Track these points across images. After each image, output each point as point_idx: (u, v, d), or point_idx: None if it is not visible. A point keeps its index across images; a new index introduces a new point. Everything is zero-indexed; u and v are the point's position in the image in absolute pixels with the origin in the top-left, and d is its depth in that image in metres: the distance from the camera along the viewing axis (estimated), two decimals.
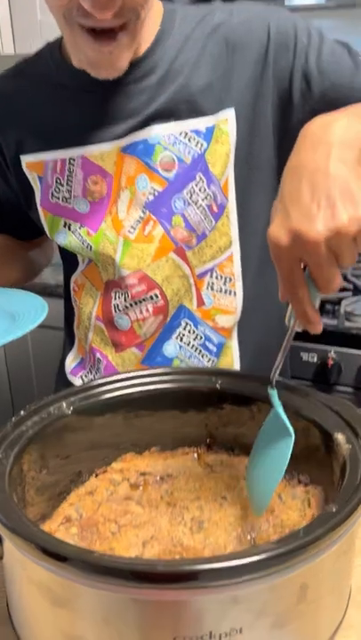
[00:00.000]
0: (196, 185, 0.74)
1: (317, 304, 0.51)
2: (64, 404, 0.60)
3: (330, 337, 1.23)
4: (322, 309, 1.30)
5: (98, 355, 0.83)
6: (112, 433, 0.63)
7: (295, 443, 0.59)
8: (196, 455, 0.65)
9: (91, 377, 0.86)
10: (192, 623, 0.41)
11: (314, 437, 0.57)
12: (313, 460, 0.57)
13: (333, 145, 0.48)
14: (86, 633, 0.43)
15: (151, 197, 0.74)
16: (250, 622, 0.42)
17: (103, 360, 0.82)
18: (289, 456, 0.52)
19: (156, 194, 0.74)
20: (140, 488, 0.61)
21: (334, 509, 0.45)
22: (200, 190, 0.74)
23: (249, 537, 0.55)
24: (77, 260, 0.83)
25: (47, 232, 0.81)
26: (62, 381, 0.89)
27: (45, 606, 0.44)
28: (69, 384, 0.87)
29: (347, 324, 1.27)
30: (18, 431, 0.55)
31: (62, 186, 0.77)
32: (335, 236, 0.44)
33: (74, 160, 0.75)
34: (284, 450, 0.53)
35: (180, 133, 0.73)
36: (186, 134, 0.73)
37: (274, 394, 0.56)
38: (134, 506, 0.58)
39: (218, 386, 0.64)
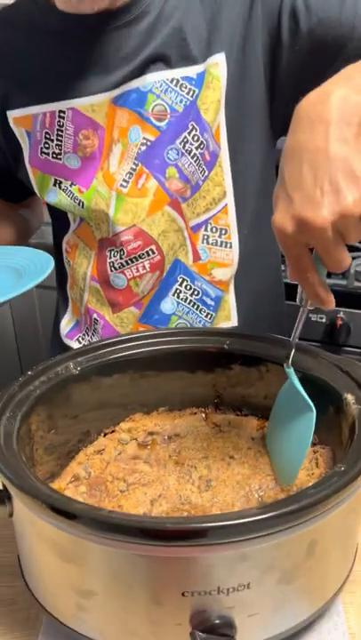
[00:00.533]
0: (189, 134, 0.72)
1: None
2: (71, 365, 0.59)
3: (339, 297, 1.20)
4: None
5: (95, 315, 0.82)
6: (120, 393, 0.63)
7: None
8: (203, 415, 0.65)
9: (88, 339, 0.85)
10: (200, 579, 0.42)
11: (323, 398, 0.57)
12: (322, 420, 0.57)
13: (331, 123, 0.45)
14: (95, 587, 0.44)
15: (143, 148, 0.72)
16: (258, 578, 0.43)
17: (100, 320, 0.81)
18: (313, 430, 0.52)
19: (148, 144, 0.72)
20: (148, 447, 0.61)
21: (343, 468, 0.45)
22: (193, 139, 0.72)
23: (257, 495, 0.55)
24: (68, 220, 0.81)
25: (37, 191, 0.79)
26: (58, 346, 0.88)
27: (55, 561, 0.45)
28: (66, 348, 0.86)
29: (356, 284, 1.25)
30: (25, 391, 0.55)
31: (52, 141, 0.75)
32: (341, 219, 0.43)
33: (64, 113, 0.73)
34: (308, 424, 0.53)
35: (172, 81, 0.71)
36: (177, 82, 0.71)
37: (291, 372, 0.55)
38: (142, 465, 0.58)
39: (226, 346, 0.63)
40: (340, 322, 1.21)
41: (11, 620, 0.52)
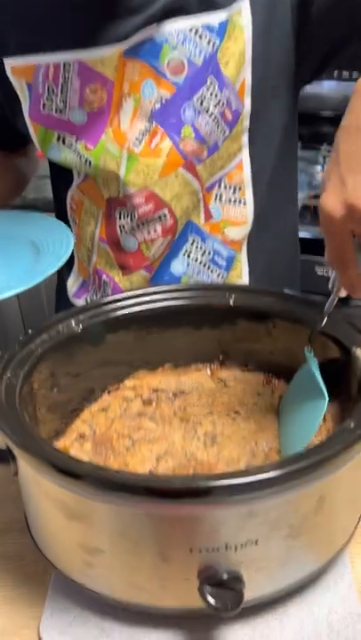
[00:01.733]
0: (208, 89, 0.67)
1: None
2: (73, 322, 0.58)
3: None
4: None
5: (104, 277, 0.79)
6: (123, 350, 0.62)
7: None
8: (209, 371, 0.64)
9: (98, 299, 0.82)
10: (208, 535, 0.41)
11: (332, 352, 0.56)
12: (330, 375, 0.56)
13: None
14: (102, 545, 0.44)
15: (158, 106, 0.68)
16: (266, 534, 0.43)
17: (110, 282, 0.79)
18: (321, 419, 0.51)
19: (164, 101, 0.67)
20: (153, 404, 0.61)
21: (352, 425, 0.44)
22: (211, 95, 0.68)
23: (263, 451, 0.55)
24: (71, 174, 0.77)
25: (38, 146, 0.75)
26: (65, 306, 0.86)
27: (61, 519, 0.45)
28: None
29: None
30: (26, 350, 0.54)
31: (56, 95, 0.69)
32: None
33: (69, 66, 0.67)
34: (318, 410, 0.51)
35: (191, 30, 0.66)
36: (197, 31, 0.66)
37: (311, 356, 0.54)
38: (147, 422, 0.58)
39: (231, 302, 0.62)
40: None
41: (20, 575, 0.52)
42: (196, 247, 0.76)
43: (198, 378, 0.63)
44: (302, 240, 0.89)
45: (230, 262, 0.78)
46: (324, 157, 1.52)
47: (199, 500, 0.39)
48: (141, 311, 0.62)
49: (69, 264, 0.86)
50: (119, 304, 0.61)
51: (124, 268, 0.77)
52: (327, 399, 0.50)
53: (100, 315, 0.60)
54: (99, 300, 0.62)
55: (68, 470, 0.40)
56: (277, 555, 0.45)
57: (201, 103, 0.68)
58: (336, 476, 0.43)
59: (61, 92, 0.69)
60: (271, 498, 0.40)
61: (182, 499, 0.39)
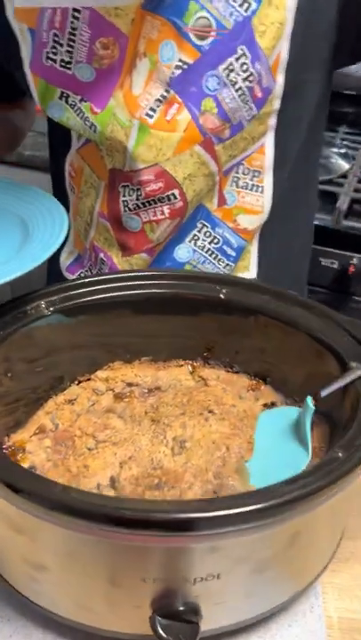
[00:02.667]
0: (237, 60, 0.59)
1: None
2: (43, 304, 0.52)
3: (355, 242, 1.12)
4: (350, 210, 1.18)
5: (102, 255, 0.72)
6: (97, 338, 0.56)
7: (306, 363, 0.52)
8: (190, 368, 0.59)
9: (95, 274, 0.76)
10: (162, 568, 0.37)
11: (327, 364, 0.50)
12: (323, 387, 0.51)
13: None
14: (47, 563, 0.39)
15: (178, 72, 0.59)
16: (229, 568, 0.38)
17: (108, 261, 0.72)
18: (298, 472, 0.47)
19: (185, 67, 0.59)
20: (124, 400, 0.55)
21: (340, 454, 0.39)
22: (241, 68, 0.59)
23: (235, 458, 0.50)
24: (70, 136, 0.69)
25: (37, 102, 0.67)
26: (56, 279, 0.80)
27: (5, 529, 0.40)
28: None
29: None
30: None
31: (61, 46, 0.61)
32: None
33: (79, 13, 0.59)
34: (297, 462, 0.48)
35: None
36: None
37: (310, 406, 0.49)
38: (116, 420, 0.52)
39: (222, 295, 0.56)
40: (352, 268, 1.12)
41: None
42: (205, 234, 0.69)
43: (178, 374, 0.58)
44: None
45: (240, 253, 0.71)
46: (342, 140, 1.43)
47: (152, 533, 0.34)
48: (121, 296, 0.56)
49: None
50: (99, 287, 0.55)
51: (125, 249, 0.70)
52: (309, 457, 0.47)
53: (74, 297, 0.54)
54: (76, 279, 0.56)
55: (7, 482, 0.35)
56: (241, 588, 0.40)
57: (228, 75, 0.60)
58: (316, 512, 0.38)
59: (68, 43, 0.60)
60: (236, 535, 0.35)
61: (134, 529, 0.34)
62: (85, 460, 0.48)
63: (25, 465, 0.47)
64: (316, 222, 1.03)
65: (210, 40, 0.58)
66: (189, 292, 0.57)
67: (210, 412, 0.53)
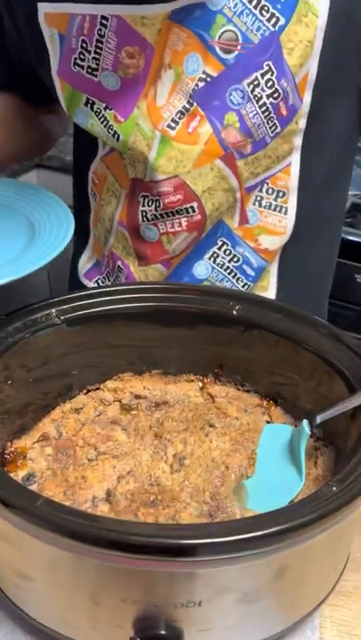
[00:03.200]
0: (263, 76, 0.58)
1: None
2: (54, 312, 0.53)
3: None
4: None
5: (119, 263, 0.72)
6: (108, 348, 0.56)
7: (316, 385, 0.51)
8: (200, 384, 0.58)
9: (109, 284, 0.76)
10: (141, 590, 0.36)
11: (336, 387, 0.48)
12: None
13: None
14: (31, 574, 0.39)
15: (201, 84, 0.59)
16: (210, 597, 0.37)
17: (125, 270, 0.72)
18: (291, 498, 0.47)
19: (209, 80, 0.59)
20: (130, 413, 0.55)
21: (334, 488, 0.37)
22: (266, 84, 0.58)
23: (234, 476, 0.48)
24: (97, 143, 0.70)
25: (64, 107, 0.68)
26: (75, 286, 0.80)
27: None
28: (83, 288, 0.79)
29: None
30: None
31: (89, 53, 0.61)
32: None
33: (107, 21, 0.59)
34: (291, 487, 0.47)
35: (252, 0, 0.56)
36: (259, 2, 0.56)
37: (305, 434, 0.48)
38: (119, 432, 0.52)
39: (235, 311, 0.55)
40: None
41: None
42: (225, 252, 0.68)
43: (187, 390, 0.57)
44: (347, 243, 0.80)
45: (259, 273, 0.70)
46: None
47: (128, 555, 0.33)
48: (133, 307, 0.56)
49: (84, 239, 0.80)
50: (112, 297, 0.55)
51: (141, 259, 0.70)
52: (303, 482, 0.46)
53: (86, 307, 0.54)
54: (90, 289, 0.56)
55: None
56: (226, 618, 0.39)
57: (252, 90, 0.59)
58: (305, 547, 0.36)
59: (95, 50, 0.61)
60: (218, 564, 0.34)
61: (110, 550, 0.33)
62: (84, 470, 0.48)
63: (24, 472, 0.48)
64: (351, 238, 1.00)
65: (235, 54, 0.58)
66: (202, 307, 0.56)
67: (211, 425, 0.52)
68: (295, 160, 0.64)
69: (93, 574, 0.36)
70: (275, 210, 0.66)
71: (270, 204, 0.66)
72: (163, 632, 0.38)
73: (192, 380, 0.58)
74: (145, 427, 0.53)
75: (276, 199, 0.66)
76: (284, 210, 0.66)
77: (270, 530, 0.34)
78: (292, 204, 0.66)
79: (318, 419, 0.46)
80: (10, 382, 0.50)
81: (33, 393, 0.53)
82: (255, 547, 0.34)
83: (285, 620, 0.43)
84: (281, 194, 0.65)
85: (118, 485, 0.47)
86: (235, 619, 0.39)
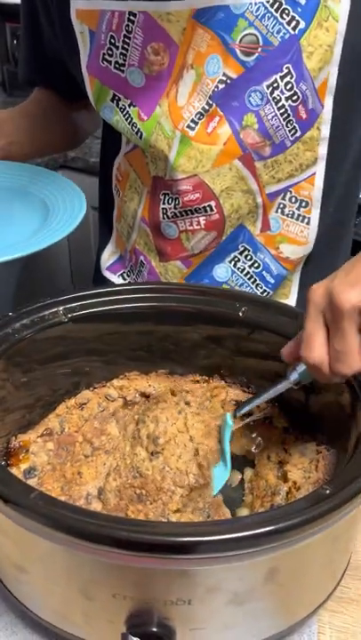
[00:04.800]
0: (282, 79, 0.59)
1: None
2: (61, 310, 0.53)
3: None
4: None
5: (142, 258, 0.74)
6: (116, 346, 0.57)
7: (320, 393, 0.50)
8: (205, 384, 0.58)
9: (133, 277, 0.78)
10: (132, 586, 0.36)
11: (341, 395, 0.48)
12: (334, 418, 0.48)
13: None
14: (27, 567, 0.40)
15: (221, 87, 0.60)
16: (201, 596, 0.37)
17: (147, 264, 0.73)
18: (219, 487, 0.48)
19: (228, 82, 0.60)
20: (128, 407, 0.55)
21: (328, 491, 0.37)
22: (286, 87, 0.59)
23: (205, 463, 0.48)
24: (121, 139, 0.71)
25: (93, 102, 0.69)
26: (98, 281, 0.82)
27: None
28: (106, 283, 0.80)
29: None
30: (1, 334, 0.50)
31: (117, 48, 0.63)
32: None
33: (134, 17, 0.60)
34: (220, 475, 0.48)
35: (273, 4, 0.57)
36: (280, 5, 0.56)
37: (228, 426, 0.49)
38: (113, 426, 0.52)
39: (241, 313, 0.55)
40: None
41: None
42: (246, 257, 0.69)
43: (191, 387, 0.57)
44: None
45: (279, 281, 0.70)
46: None
47: (116, 551, 0.34)
48: (142, 307, 0.56)
49: (107, 234, 0.81)
50: (117, 297, 0.56)
51: (162, 255, 0.71)
52: (228, 473, 0.47)
53: (93, 306, 0.55)
54: (98, 288, 0.57)
55: None
56: (218, 618, 0.39)
57: (271, 92, 0.59)
58: (297, 549, 0.36)
59: (123, 46, 0.62)
60: (207, 562, 0.34)
61: (98, 544, 0.34)
62: (80, 466, 0.49)
63: (25, 465, 0.48)
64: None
65: (255, 56, 0.58)
66: (209, 309, 0.56)
67: (186, 403, 0.52)
68: (320, 170, 0.64)
69: (85, 569, 0.37)
70: (297, 219, 0.66)
71: (293, 212, 0.66)
72: (154, 629, 0.38)
73: (198, 381, 0.59)
74: (131, 418, 0.53)
75: (298, 208, 0.66)
76: (306, 220, 0.66)
77: (262, 530, 0.34)
78: (314, 215, 0.66)
79: (238, 412, 0.48)
80: (16, 379, 0.51)
81: (40, 390, 0.54)
82: (245, 546, 0.34)
83: (279, 623, 0.43)
84: (304, 203, 0.65)
85: (106, 483, 0.47)
86: (226, 619, 0.39)
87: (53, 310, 0.53)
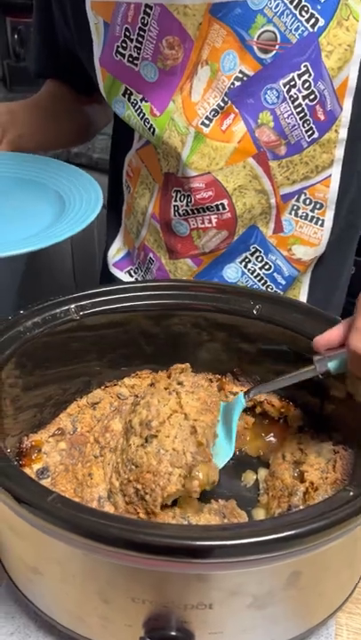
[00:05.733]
0: (300, 77, 0.57)
1: None
2: (73, 308, 0.52)
3: None
4: None
5: (151, 255, 0.73)
6: (127, 344, 0.56)
7: (333, 391, 0.50)
8: (216, 384, 0.57)
9: (141, 274, 0.77)
10: (151, 590, 0.36)
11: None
12: (351, 417, 0.48)
13: None
14: (42, 569, 0.39)
15: (237, 83, 0.59)
16: (221, 600, 0.36)
17: (156, 262, 0.73)
18: (222, 465, 0.47)
19: (245, 79, 0.58)
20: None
21: (351, 493, 0.36)
22: (303, 85, 0.58)
23: (203, 441, 0.45)
24: (132, 135, 0.70)
25: (104, 96, 0.68)
26: (105, 277, 0.81)
27: (6, 529, 0.40)
28: (113, 279, 0.79)
29: None
30: (13, 332, 0.49)
31: (131, 41, 0.61)
32: None
33: (150, 9, 0.59)
34: (224, 452, 0.48)
35: (293, 0, 0.55)
36: (299, 2, 0.55)
37: (241, 404, 0.49)
38: (117, 422, 0.51)
39: (255, 311, 0.54)
40: None
41: None
42: (257, 258, 0.68)
43: (203, 384, 0.56)
44: None
45: (290, 282, 0.69)
46: None
47: (137, 554, 0.33)
48: (154, 305, 0.55)
49: (115, 230, 0.80)
50: (129, 294, 0.55)
51: (172, 252, 0.70)
52: (231, 453, 0.46)
53: (105, 304, 0.54)
54: (109, 285, 0.56)
55: (6, 487, 0.35)
56: (238, 622, 0.38)
57: (288, 90, 0.58)
58: (318, 554, 0.36)
59: (137, 39, 0.61)
60: (224, 567, 0.33)
61: (123, 549, 0.33)
62: (91, 467, 0.48)
63: (38, 465, 0.48)
64: None
65: (273, 53, 0.57)
66: (223, 306, 0.55)
67: (179, 383, 0.50)
68: (335, 173, 0.63)
69: (104, 572, 0.36)
70: (311, 221, 0.65)
71: (307, 214, 0.65)
72: (173, 633, 0.38)
73: (210, 380, 0.58)
74: (130, 410, 0.51)
75: (313, 210, 0.65)
76: (321, 222, 0.65)
77: (284, 534, 0.33)
78: (328, 216, 0.65)
79: (252, 393, 0.48)
80: (27, 378, 0.50)
81: (51, 389, 0.53)
82: (268, 550, 0.33)
83: (298, 627, 0.42)
84: (318, 205, 0.64)
85: (110, 484, 0.46)
86: (245, 623, 0.39)
87: (65, 308, 0.52)
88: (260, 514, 0.48)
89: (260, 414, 0.56)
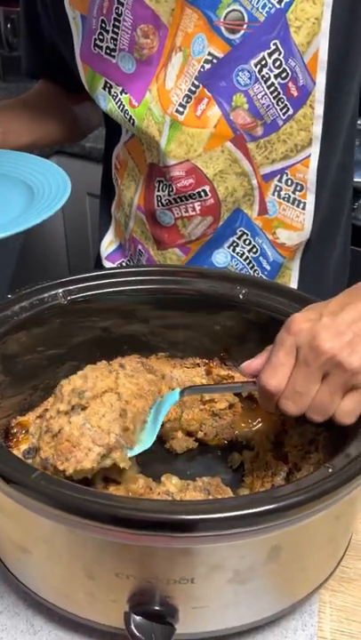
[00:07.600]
0: (270, 55, 0.57)
1: None
2: (60, 293, 0.53)
3: None
4: None
5: (140, 247, 0.73)
6: (115, 329, 0.57)
7: None
8: (204, 368, 0.58)
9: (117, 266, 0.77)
10: (134, 565, 0.36)
11: None
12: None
13: None
14: (29, 547, 0.40)
15: (208, 67, 0.59)
16: (204, 574, 0.37)
17: (145, 254, 0.73)
18: (136, 452, 0.46)
19: (215, 62, 0.58)
20: None
21: (330, 470, 0.37)
22: (274, 64, 0.58)
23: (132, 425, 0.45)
24: (120, 129, 0.71)
25: (88, 91, 0.69)
26: (99, 265, 0.82)
27: None
28: None
29: None
30: (0, 316, 0.49)
31: (107, 32, 0.62)
32: (338, 364, 0.40)
33: None
34: (145, 438, 0.47)
35: None
36: None
37: (174, 399, 0.48)
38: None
39: (241, 295, 0.54)
40: None
41: None
42: (245, 242, 0.68)
43: (193, 376, 0.57)
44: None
45: (275, 268, 0.69)
46: None
47: (119, 529, 0.34)
48: (140, 290, 0.56)
49: (107, 223, 0.81)
50: (116, 279, 0.56)
51: (159, 243, 0.71)
52: (148, 446, 0.46)
53: (93, 288, 0.54)
54: (97, 271, 0.56)
55: None
56: (221, 596, 0.39)
57: (260, 70, 0.58)
58: (297, 528, 0.36)
59: (113, 30, 0.61)
60: (206, 540, 0.34)
61: (103, 523, 0.34)
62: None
63: (25, 446, 0.48)
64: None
65: (241, 33, 0.57)
66: (209, 291, 0.56)
67: (120, 365, 0.49)
68: (315, 151, 0.63)
69: (88, 548, 0.37)
70: (293, 203, 0.65)
71: (289, 196, 0.65)
72: (157, 608, 0.39)
73: (198, 364, 0.58)
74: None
75: (294, 192, 0.65)
76: (302, 205, 0.65)
77: (265, 507, 0.34)
78: (310, 199, 0.65)
79: (187, 392, 0.48)
80: (16, 362, 0.51)
81: (40, 372, 0.54)
82: (250, 524, 0.34)
83: (281, 602, 0.43)
84: (299, 187, 0.65)
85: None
86: (228, 598, 0.40)
87: (52, 293, 0.53)
88: (244, 493, 0.49)
89: (248, 398, 0.57)
